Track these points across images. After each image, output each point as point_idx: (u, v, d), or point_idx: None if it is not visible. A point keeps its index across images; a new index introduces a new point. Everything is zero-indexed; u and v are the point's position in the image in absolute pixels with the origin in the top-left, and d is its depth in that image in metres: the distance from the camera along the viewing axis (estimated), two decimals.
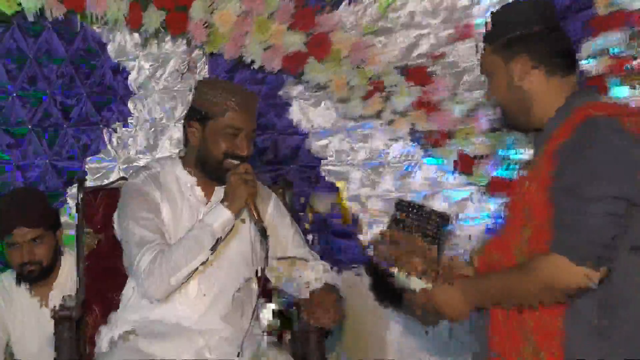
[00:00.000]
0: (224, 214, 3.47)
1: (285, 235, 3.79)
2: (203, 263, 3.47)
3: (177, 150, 3.96)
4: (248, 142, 3.59)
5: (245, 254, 3.67)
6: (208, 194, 3.69)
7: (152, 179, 3.66)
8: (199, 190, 3.68)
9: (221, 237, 3.48)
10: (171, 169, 3.70)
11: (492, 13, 2.87)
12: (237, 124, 3.56)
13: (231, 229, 3.52)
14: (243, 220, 3.62)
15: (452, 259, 2.96)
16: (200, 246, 3.45)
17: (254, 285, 3.76)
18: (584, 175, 2.49)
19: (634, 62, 4.50)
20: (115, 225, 3.70)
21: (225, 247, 3.58)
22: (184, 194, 3.65)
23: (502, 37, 2.74)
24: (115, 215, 3.71)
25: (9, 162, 4.68)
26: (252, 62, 4.61)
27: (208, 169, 3.61)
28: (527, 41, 2.71)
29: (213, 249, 3.47)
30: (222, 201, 3.50)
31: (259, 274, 3.64)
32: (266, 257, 3.50)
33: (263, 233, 3.49)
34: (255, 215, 3.49)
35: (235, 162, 3.53)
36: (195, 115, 3.61)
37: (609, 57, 4.69)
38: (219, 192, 3.62)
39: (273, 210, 3.82)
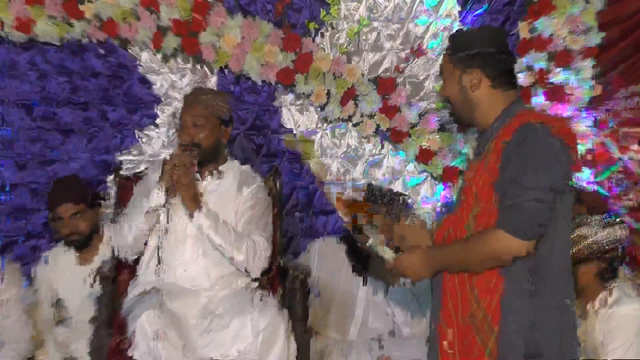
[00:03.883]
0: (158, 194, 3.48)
1: (243, 211, 3.65)
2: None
3: None
4: (188, 130, 3.57)
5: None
6: (203, 176, 3.66)
7: (159, 166, 3.61)
8: (197, 176, 3.60)
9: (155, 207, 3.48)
10: None
11: (454, 32, 2.82)
12: (182, 115, 3.61)
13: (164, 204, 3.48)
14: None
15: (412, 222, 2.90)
16: (145, 206, 3.49)
17: None
18: (524, 169, 2.46)
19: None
20: None
21: None
22: None
23: (461, 52, 2.66)
24: None
25: (59, 156, 4.58)
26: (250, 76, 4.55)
27: None
28: (481, 58, 2.64)
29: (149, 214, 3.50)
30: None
31: None
32: None
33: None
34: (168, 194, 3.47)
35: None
36: None
37: (533, 72, 4.66)
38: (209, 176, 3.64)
39: (251, 190, 3.68)
